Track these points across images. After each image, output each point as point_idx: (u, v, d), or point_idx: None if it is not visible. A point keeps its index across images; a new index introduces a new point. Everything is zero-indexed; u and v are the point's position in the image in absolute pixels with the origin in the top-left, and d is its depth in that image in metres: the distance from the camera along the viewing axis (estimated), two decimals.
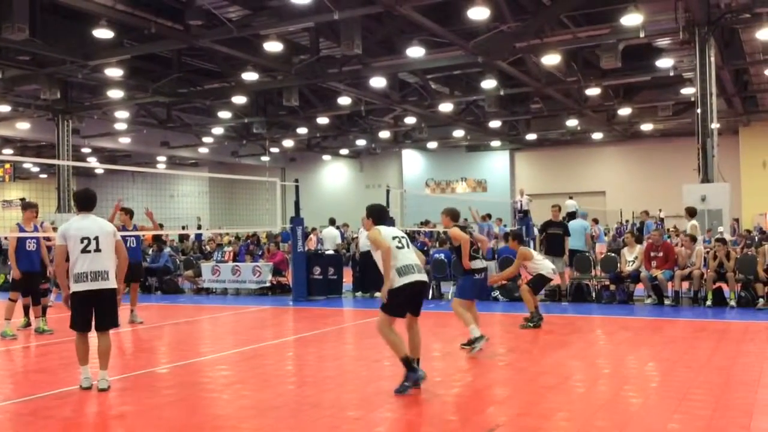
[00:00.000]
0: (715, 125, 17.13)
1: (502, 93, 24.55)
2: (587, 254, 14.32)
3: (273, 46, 18.17)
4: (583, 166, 37.87)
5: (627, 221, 31.15)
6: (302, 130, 33.64)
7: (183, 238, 27.95)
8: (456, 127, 32.98)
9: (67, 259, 6.69)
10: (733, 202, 18.39)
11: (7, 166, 37.74)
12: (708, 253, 12.89)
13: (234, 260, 17.94)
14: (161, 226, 20.03)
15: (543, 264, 10.59)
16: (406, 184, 39.85)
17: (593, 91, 25.24)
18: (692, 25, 16.70)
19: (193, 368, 8.09)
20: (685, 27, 16.76)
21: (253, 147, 38.40)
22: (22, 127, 30.00)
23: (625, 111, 29.01)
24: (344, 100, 26.29)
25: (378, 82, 22.82)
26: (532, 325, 10.27)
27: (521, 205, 24.20)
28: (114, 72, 21.15)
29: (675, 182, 21.93)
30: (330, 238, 19.90)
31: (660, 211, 30.25)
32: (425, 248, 19.08)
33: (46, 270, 11.05)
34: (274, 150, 38.89)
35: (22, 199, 32.07)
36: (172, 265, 18.29)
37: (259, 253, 18.49)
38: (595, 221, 20.83)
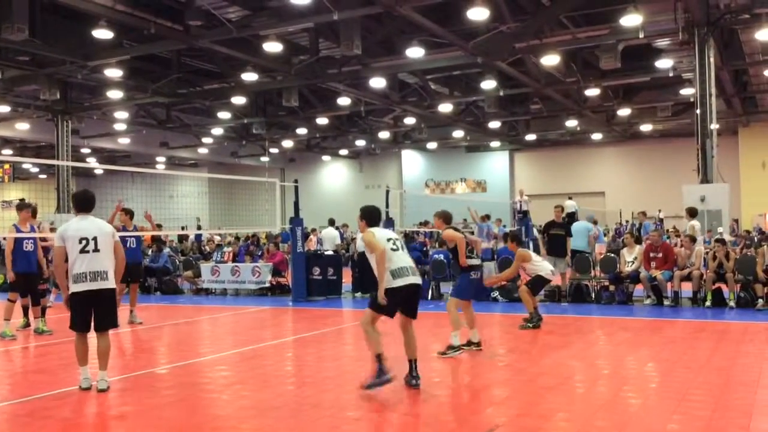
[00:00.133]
0: (714, 126, 17.14)
1: (501, 93, 24.56)
2: (587, 255, 14.31)
3: (272, 47, 18.17)
4: (583, 167, 37.89)
5: (627, 221, 31.17)
6: (302, 131, 33.64)
7: (182, 238, 27.95)
8: (455, 127, 32.99)
9: (67, 260, 6.69)
10: (732, 203, 18.40)
11: (7, 166, 37.70)
12: (708, 253, 12.89)
13: (233, 261, 17.94)
14: (160, 226, 20.05)
15: (541, 265, 10.60)
16: (405, 185, 39.87)
17: (593, 92, 25.26)
18: (692, 26, 16.71)
19: (192, 369, 8.09)
20: (684, 27, 16.77)
21: (253, 147, 38.41)
22: (22, 127, 30.00)
23: (624, 111, 29.04)
24: (344, 101, 26.30)
25: (377, 82, 22.83)
26: (531, 325, 10.28)
27: (521, 205, 24.20)
28: (113, 72, 21.15)
29: (674, 183, 21.97)
30: (329, 239, 19.91)
31: (659, 211, 30.27)
32: (425, 248, 19.07)
33: (42, 271, 11.04)
34: (274, 150, 38.90)
35: (21, 200, 32.11)
36: (172, 265, 18.28)
37: (259, 254, 18.49)
38: (594, 222, 20.80)
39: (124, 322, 11.49)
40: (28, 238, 10.36)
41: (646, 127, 32.53)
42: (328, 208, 34.24)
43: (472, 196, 36.98)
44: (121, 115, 28.43)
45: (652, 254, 13.02)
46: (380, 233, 6.68)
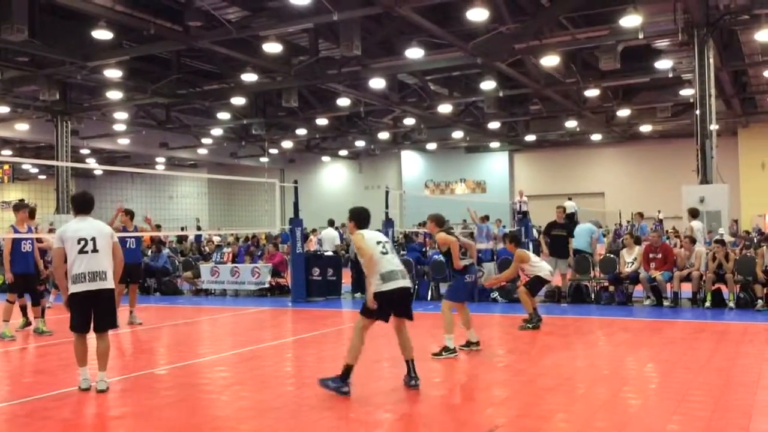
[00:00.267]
0: (713, 126, 17.13)
1: (501, 94, 24.57)
2: (587, 255, 14.31)
3: (272, 47, 18.16)
4: (582, 168, 37.90)
5: (628, 222, 31.17)
6: (301, 131, 33.64)
7: (182, 239, 27.96)
8: (455, 128, 33.00)
9: (66, 261, 6.70)
10: (731, 204, 18.39)
11: (6, 167, 37.71)
12: (707, 254, 12.90)
13: (233, 261, 17.94)
14: (159, 227, 20.07)
15: (540, 266, 10.61)
16: (405, 186, 39.89)
17: (592, 93, 25.26)
18: (691, 27, 16.71)
19: (192, 369, 8.09)
20: (684, 28, 16.77)
21: (252, 148, 38.41)
22: (21, 128, 29.98)
23: (624, 112, 29.04)
24: (343, 101, 26.29)
25: (377, 83, 22.83)
26: (530, 326, 10.28)
27: (520, 206, 24.21)
28: (113, 73, 21.15)
29: (674, 183, 21.95)
30: (329, 240, 19.91)
31: (659, 212, 30.28)
32: (424, 249, 19.07)
33: (40, 271, 11.04)
34: (273, 151, 38.89)
35: (21, 200, 32.10)
36: (171, 266, 18.28)
37: (258, 254, 18.49)
38: (599, 226, 20.83)
39: (123, 323, 11.49)
40: (26, 239, 10.35)
41: (645, 128, 32.54)
42: (327, 209, 34.21)
43: (472, 197, 36.99)
44: (121, 115, 28.42)
45: (651, 255, 13.03)
46: (369, 236, 6.66)
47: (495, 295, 14.28)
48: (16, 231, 10.31)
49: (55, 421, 5.90)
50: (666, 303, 12.81)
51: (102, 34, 16.86)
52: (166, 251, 19.05)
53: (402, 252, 19.97)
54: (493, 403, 6.37)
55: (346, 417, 5.88)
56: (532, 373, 7.46)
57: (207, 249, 22.29)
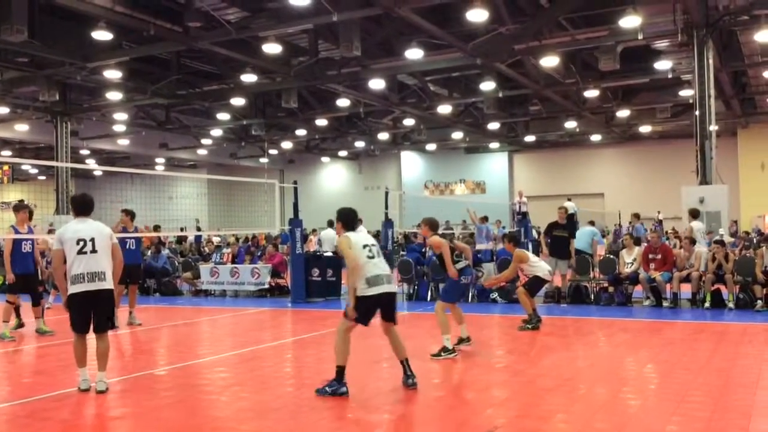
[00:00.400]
0: (713, 127, 17.13)
1: (500, 95, 24.56)
2: (587, 256, 14.32)
3: (272, 48, 18.16)
4: (582, 168, 37.90)
5: (630, 223, 31.16)
6: (301, 132, 33.63)
7: (181, 239, 27.96)
8: (455, 128, 33.00)
9: (66, 262, 6.71)
10: (731, 204, 18.39)
11: (6, 167, 37.69)
12: (708, 254, 12.90)
13: (233, 262, 17.94)
14: (158, 227, 20.08)
15: (539, 266, 10.62)
16: (404, 186, 39.88)
17: (592, 93, 25.26)
18: (691, 27, 16.71)
19: (191, 370, 8.09)
20: (683, 29, 16.77)
21: (252, 149, 38.41)
22: (21, 128, 29.97)
23: (623, 113, 29.04)
24: (343, 102, 26.28)
25: (377, 83, 22.83)
26: (530, 327, 10.28)
27: (520, 207, 24.20)
28: (113, 74, 21.14)
29: (673, 184, 21.96)
30: (328, 240, 19.88)
31: (659, 213, 30.28)
32: (423, 249, 19.06)
33: (41, 272, 11.04)
34: (273, 152, 38.88)
35: (20, 201, 32.07)
36: (171, 266, 18.28)
37: (258, 254, 18.49)
38: (591, 224, 20.80)
39: (123, 324, 11.50)
40: (27, 240, 10.36)
41: (645, 129, 32.54)
42: (327, 210, 33.99)
43: (472, 198, 36.98)
44: (121, 116, 28.41)
45: (651, 256, 13.04)
46: (356, 238, 6.66)
47: (494, 295, 14.28)
48: (16, 231, 10.31)
49: (54, 421, 5.90)
50: (665, 304, 12.82)
51: (102, 35, 16.86)
52: (165, 252, 19.05)
53: (402, 253, 20.02)
54: (493, 403, 6.37)
55: (346, 418, 5.89)
56: (532, 374, 7.46)
57: (206, 250, 22.29)
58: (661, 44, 19.68)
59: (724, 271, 12.46)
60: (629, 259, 13.44)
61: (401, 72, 22.72)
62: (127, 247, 11.42)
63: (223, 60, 21.26)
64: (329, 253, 16.66)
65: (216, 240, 25.49)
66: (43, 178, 43.41)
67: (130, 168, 34.30)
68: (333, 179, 44.11)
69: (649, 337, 10.03)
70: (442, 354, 8.15)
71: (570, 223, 14.71)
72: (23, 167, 41.11)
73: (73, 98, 26.26)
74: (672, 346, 9.16)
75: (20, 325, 11.01)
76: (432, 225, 8.59)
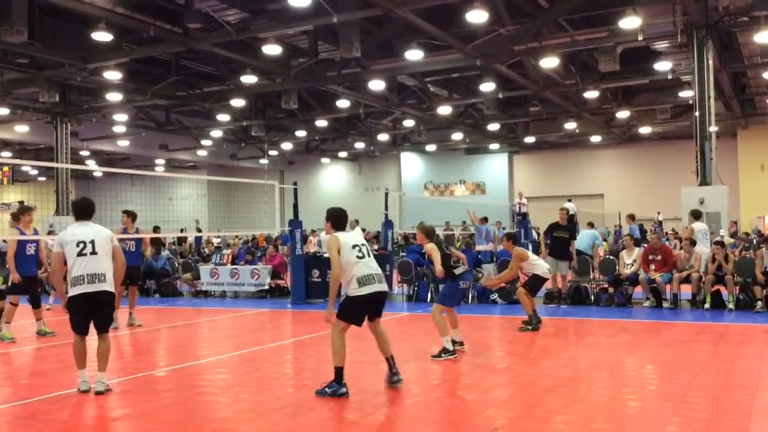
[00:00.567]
0: (713, 128, 17.13)
1: (500, 96, 24.57)
2: (587, 257, 14.33)
3: (272, 49, 18.17)
4: (582, 169, 37.90)
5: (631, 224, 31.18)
6: (301, 133, 33.64)
7: (181, 241, 27.95)
8: (454, 129, 33.00)
9: (66, 265, 6.72)
10: (731, 205, 18.39)
11: (6, 168, 37.68)
12: (708, 255, 12.91)
13: (232, 263, 17.94)
14: (157, 228, 20.07)
15: (538, 264, 10.63)
16: (404, 187, 39.89)
17: (592, 94, 25.27)
18: (690, 28, 16.71)
19: (191, 371, 8.09)
20: (683, 30, 16.77)
21: (252, 150, 38.41)
22: (21, 129, 29.98)
23: (623, 114, 29.04)
24: (343, 103, 26.29)
25: (377, 84, 22.83)
26: (530, 328, 10.28)
27: (519, 208, 24.20)
28: (113, 75, 21.14)
29: (673, 185, 21.95)
30: None
31: (658, 213, 30.29)
32: (422, 250, 19.05)
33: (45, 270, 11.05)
34: (273, 153, 38.89)
35: (21, 202, 32.03)
36: (171, 267, 18.27)
37: (258, 255, 18.49)
38: (590, 225, 20.80)
39: (123, 325, 11.50)
40: (31, 242, 10.38)
41: (645, 130, 32.55)
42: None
43: (471, 199, 36.99)
44: (121, 117, 28.41)
45: (651, 256, 13.04)
46: (345, 238, 6.67)
47: (494, 296, 14.29)
48: (21, 233, 10.34)
49: (54, 423, 5.90)
50: (665, 304, 12.82)
51: (102, 36, 16.85)
52: (165, 253, 19.04)
53: (401, 254, 20.00)
54: (493, 404, 6.37)
55: (345, 418, 5.89)
56: (532, 375, 7.47)
57: (206, 251, 22.29)
58: (661, 45, 19.67)
59: (724, 272, 12.46)
60: (629, 260, 13.44)
61: (401, 73, 22.73)
62: (127, 249, 11.42)
63: (223, 61, 21.27)
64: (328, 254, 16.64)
65: (216, 241, 25.49)
66: (43, 179, 43.42)
67: (130, 169, 34.28)
68: (333, 180, 44.12)
69: (649, 338, 10.03)
70: (443, 355, 8.17)
71: (570, 224, 14.71)
72: (23, 168, 41.09)
73: (73, 99, 26.28)
74: (672, 347, 9.16)
75: None
76: (427, 233, 8.63)
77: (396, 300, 15.26)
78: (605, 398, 6.46)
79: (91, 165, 38.43)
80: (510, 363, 8.37)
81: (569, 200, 24.86)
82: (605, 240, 25.36)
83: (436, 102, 26.10)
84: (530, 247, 18.11)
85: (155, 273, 17.56)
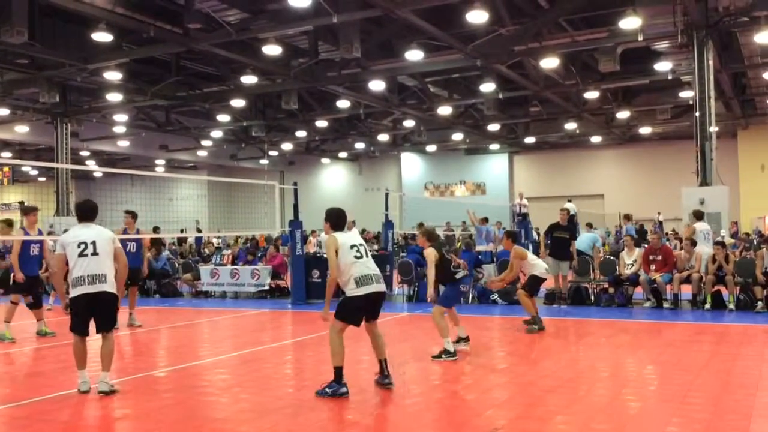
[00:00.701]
0: (713, 128, 17.12)
1: (500, 96, 24.57)
2: (587, 258, 14.32)
3: (272, 50, 18.17)
4: (582, 170, 37.89)
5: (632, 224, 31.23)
6: (301, 134, 33.64)
7: (181, 241, 27.94)
8: (455, 130, 33.00)
9: (68, 265, 6.72)
10: (731, 206, 18.38)
11: (6, 169, 37.71)
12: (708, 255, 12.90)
13: (233, 263, 17.93)
14: (157, 229, 20.07)
15: (536, 264, 10.62)
16: (405, 188, 39.88)
17: (592, 95, 25.26)
18: (690, 29, 16.70)
19: (191, 371, 8.09)
20: (683, 30, 16.76)
21: (252, 150, 38.41)
22: (21, 130, 29.98)
23: (623, 114, 29.04)
24: (343, 104, 26.29)
25: (377, 85, 22.83)
26: (536, 328, 10.25)
27: (520, 208, 24.20)
28: (113, 75, 21.15)
29: (674, 185, 21.94)
30: None
31: (659, 214, 30.29)
32: (422, 250, 19.05)
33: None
34: (273, 153, 38.89)
35: (21, 203, 32.02)
36: (171, 268, 18.27)
37: (259, 255, 18.49)
38: (589, 226, 20.82)
39: (123, 325, 11.49)
40: (35, 243, 10.39)
41: (645, 130, 32.54)
42: None
43: (472, 199, 36.97)
44: (121, 117, 28.42)
45: (651, 257, 13.04)
46: (343, 239, 6.67)
47: (495, 296, 14.29)
48: (26, 233, 10.35)
49: (54, 423, 5.90)
50: (666, 305, 12.81)
51: (102, 37, 16.85)
52: (165, 253, 19.05)
53: (402, 254, 20.00)
54: (493, 404, 6.37)
55: (345, 419, 5.89)
56: (532, 375, 7.46)
57: (206, 251, 22.28)
58: (661, 45, 19.66)
59: (724, 272, 12.46)
60: (629, 261, 13.44)
61: (401, 73, 22.72)
62: (128, 250, 11.41)
63: (223, 61, 21.27)
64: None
65: (216, 241, 25.48)
66: (43, 179, 43.43)
67: (130, 169, 34.29)
68: (333, 180, 44.12)
69: (650, 339, 10.03)
70: (443, 356, 8.18)
71: (571, 225, 14.71)
72: (23, 169, 41.10)
73: (73, 100, 26.27)
74: (672, 347, 9.15)
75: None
76: (429, 236, 8.69)
77: (396, 300, 15.27)
78: (605, 399, 6.45)
79: (92, 165, 38.44)
80: (510, 363, 8.36)
81: (569, 200, 24.85)
82: (605, 244, 25.38)
83: (436, 102, 26.10)
84: (530, 247, 18.11)
85: (155, 273, 17.56)
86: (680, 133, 31.33)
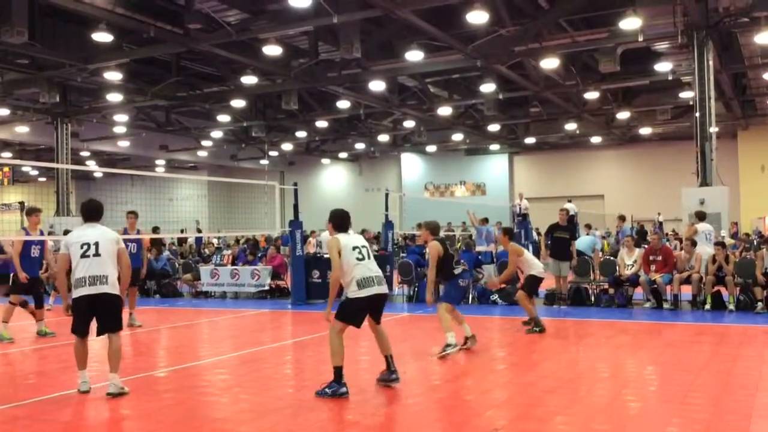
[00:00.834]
0: (713, 129, 17.12)
1: (500, 97, 24.56)
2: (587, 258, 14.32)
3: (272, 50, 18.17)
4: (582, 170, 37.89)
5: (638, 222, 31.32)
6: (301, 134, 33.64)
7: (181, 241, 27.93)
8: (455, 130, 32.99)
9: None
10: (731, 206, 18.38)
11: (6, 169, 37.69)
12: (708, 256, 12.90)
13: (233, 264, 17.93)
14: (157, 229, 20.08)
15: (534, 263, 10.61)
16: (405, 188, 39.88)
17: (592, 95, 25.26)
18: (691, 29, 16.71)
19: (191, 372, 8.09)
20: (683, 31, 16.76)
21: (252, 150, 38.41)
22: (21, 130, 29.99)
23: (623, 115, 29.03)
24: (343, 104, 26.29)
25: (377, 85, 22.82)
26: (537, 329, 10.24)
27: (520, 208, 24.20)
28: (113, 75, 21.15)
29: (674, 186, 21.95)
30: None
31: (659, 214, 30.29)
32: (423, 251, 19.07)
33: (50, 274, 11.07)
34: (273, 153, 38.89)
35: (21, 203, 32.00)
36: (171, 268, 18.27)
37: (259, 256, 18.49)
38: (588, 227, 20.83)
39: (123, 325, 11.47)
40: (36, 244, 10.39)
41: (645, 131, 32.54)
42: (327, 211, 33.81)
43: (472, 199, 36.96)
44: (121, 117, 28.43)
45: (651, 257, 13.04)
46: (346, 240, 6.70)
47: (495, 297, 14.29)
48: (27, 234, 10.36)
49: (55, 423, 5.90)
50: (666, 305, 12.81)
51: (102, 37, 16.85)
52: (165, 253, 19.05)
53: (402, 254, 20.00)
54: (493, 405, 6.37)
55: (345, 419, 5.89)
56: (532, 376, 7.46)
57: (206, 251, 22.28)
58: (661, 46, 19.66)
59: (724, 273, 12.46)
60: (630, 261, 13.44)
61: (401, 74, 22.72)
62: (129, 250, 11.40)
63: (223, 62, 21.27)
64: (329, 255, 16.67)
65: (216, 242, 25.46)
66: (43, 179, 43.45)
67: (131, 170, 34.29)
68: (333, 181, 44.12)
69: (650, 339, 10.03)
70: (447, 349, 8.35)
71: (571, 225, 14.70)
72: (23, 169, 41.12)
73: (74, 100, 26.28)
74: (672, 347, 9.15)
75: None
76: (433, 230, 8.72)
77: (396, 301, 15.27)
78: (605, 399, 6.45)
79: (92, 166, 38.43)
80: (510, 364, 8.37)
81: (569, 201, 24.85)
82: (606, 243, 25.39)
83: (436, 103, 26.10)
84: (531, 248, 18.10)
85: (156, 274, 17.57)
86: (680, 134, 31.32)
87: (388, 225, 17.10)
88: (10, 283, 10.55)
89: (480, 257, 16.66)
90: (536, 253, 14.76)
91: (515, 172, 40.13)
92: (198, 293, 17.55)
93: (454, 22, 17.50)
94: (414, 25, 16.61)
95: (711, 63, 16.88)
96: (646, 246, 14.94)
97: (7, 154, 35.37)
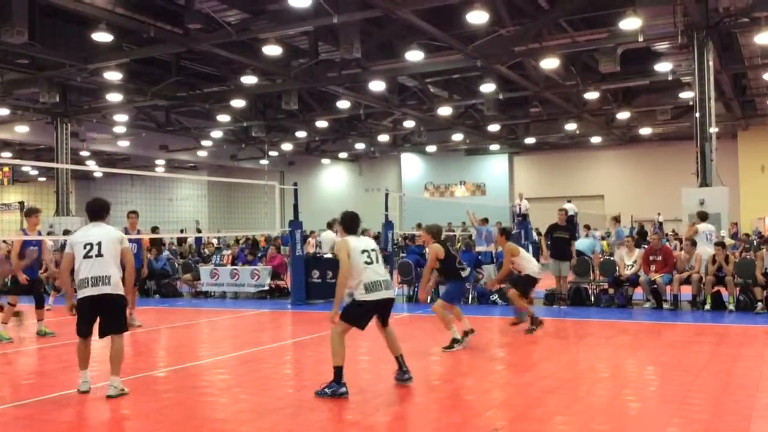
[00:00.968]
0: (713, 129, 17.12)
1: (500, 97, 24.56)
2: (587, 258, 14.31)
3: (272, 50, 18.17)
4: (582, 170, 37.88)
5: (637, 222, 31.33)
6: (301, 134, 33.64)
7: (181, 241, 27.92)
8: (455, 130, 32.99)
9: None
10: (731, 206, 18.38)
11: (6, 169, 37.71)
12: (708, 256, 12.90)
13: (232, 264, 17.93)
14: (156, 229, 20.06)
15: (530, 263, 10.60)
16: (405, 188, 39.87)
17: (592, 95, 25.26)
18: (691, 29, 16.70)
19: (191, 372, 8.09)
20: (683, 31, 16.76)
21: (252, 150, 38.40)
22: (21, 130, 29.98)
23: (623, 115, 29.02)
24: (343, 104, 26.29)
25: (377, 85, 22.82)
26: (535, 328, 10.23)
27: (520, 209, 24.20)
28: (113, 75, 21.14)
29: (674, 186, 21.94)
30: (328, 242, 19.86)
31: (659, 215, 30.28)
32: (423, 251, 19.07)
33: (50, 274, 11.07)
34: (273, 153, 38.89)
35: (21, 203, 31.99)
36: (171, 268, 18.27)
37: (258, 256, 18.49)
38: (587, 227, 20.81)
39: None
40: (34, 244, 10.38)
41: (645, 131, 32.53)
42: (327, 212, 33.89)
43: (472, 200, 36.96)
44: (121, 117, 28.42)
45: (651, 257, 13.04)
46: (355, 243, 6.70)
47: (494, 297, 14.29)
48: (25, 234, 10.36)
49: (54, 423, 5.90)
50: (666, 306, 12.81)
51: (102, 37, 16.84)
52: (165, 253, 19.05)
53: (402, 254, 20.00)
54: (493, 405, 6.37)
55: (345, 419, 5.89)
56: (532, 376, 7.46)
57: (206, 251, 22.28)
58: (662, 46, 19.66)
59: (724, 273, 12.46)
60: (629, 261, 13.44)
61: (401, 74, 22.72)
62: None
63: (223, 62, 21.26)
64: (329, 255, 16.66)
65: (215, 242, 25.45)
66: (43, 179, 43.43)
67: (130, 170, 34.28)
68: (333, 181, 44.12)
69: (650, 339, 10.03)
70: (455, 346, 8.51)
71: (570, 225, 14.70)
72: (23, 169, 41.11)
73: (74, 100, 26.28)
74: (672, 348, 9.15)
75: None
76: (434, 233, 8.75)
77: (396, 301, 15.21)
78: (605, 399, 6.45)
79: (92, 166, 38.43)
80: (510, 364, 8.37)
81: (569, 201, 24.85)
82: (606, 243, 25.38)
83: (436, 103, 26.10)
84: (530, 248, 18.10)
85: (155, 273, 17.56)
86: (680, 134, 31.32)
87: (388, 225, 17.09)
88: (10, 284, 10.54)
89: (480, 257, 16.66)
90: (536, 253, 14.76)
91: (515, 173, 40.12)
92: (198, 293, 17.55)
93: (454, 22, 17.49)
94: (414, 25, 16.61)
95: (711, 63, 16.88)
96: (646, 246, 14.93)
97: (7, 154, 35.37)
